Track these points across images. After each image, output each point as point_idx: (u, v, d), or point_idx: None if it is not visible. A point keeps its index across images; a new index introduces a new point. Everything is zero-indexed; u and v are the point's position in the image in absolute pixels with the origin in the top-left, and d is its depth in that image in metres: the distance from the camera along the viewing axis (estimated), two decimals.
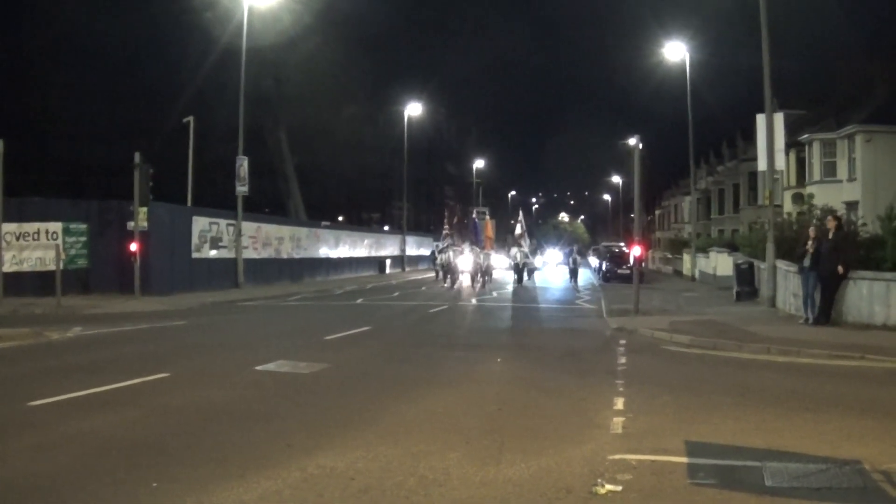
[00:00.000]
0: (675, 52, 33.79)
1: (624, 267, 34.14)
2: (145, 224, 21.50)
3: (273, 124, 41.07)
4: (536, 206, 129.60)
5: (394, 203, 65.50)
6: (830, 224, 14.19)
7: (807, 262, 14.05)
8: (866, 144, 28.33)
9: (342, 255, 40.13)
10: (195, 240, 25.55)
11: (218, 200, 31.34)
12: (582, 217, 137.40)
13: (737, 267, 21.48)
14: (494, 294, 26.59)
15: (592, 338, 13.66)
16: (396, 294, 26.65)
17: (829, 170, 30.48)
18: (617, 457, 5.44)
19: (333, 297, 25.57)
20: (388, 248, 48.56)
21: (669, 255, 46.83)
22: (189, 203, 28.39)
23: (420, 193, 68.31)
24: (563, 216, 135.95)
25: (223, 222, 27.21)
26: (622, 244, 51.94)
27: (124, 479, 4.99)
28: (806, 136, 31.19)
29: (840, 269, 13.45)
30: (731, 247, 28.07)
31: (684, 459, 5.38)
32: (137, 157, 20.96)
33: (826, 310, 13.73)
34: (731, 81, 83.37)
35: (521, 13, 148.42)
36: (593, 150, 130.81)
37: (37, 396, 7.44)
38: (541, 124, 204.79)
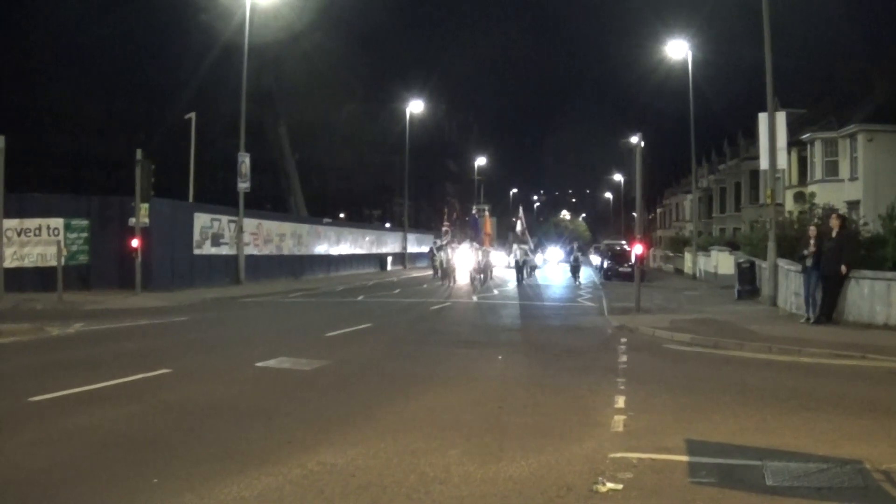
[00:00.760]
0: (678, 49, 33.64)
1: (625, 265, 34.14)
2: (146, 220, 21.49)
3: (274, 120, 41.03)
4: (538, 203, 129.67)
5: (395, 200, 65.43)
6: (834, 223, 14.09)
7: (809, 262, 14.02)
8: (868, 144, 28.31)
9: (343, 252, 40.13)
10: (196, 236, 25.57)
11: (219, 196, 31.39)
12: (583, 215, 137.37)
13: (738, 266, 21.50)
14: (495, 291, 26.59)
15: (593, 336, 13.66)
16: (397, 291, 26.66)
17: (831, 169, 30.46)
18: (618, 455, 5.44)
19: (334, 293, 25.57)
20: (389, 244, 48.52)
21: (671, 254, 46.77)
22: (191, 199, 28.41)
23: (421, 190, 68.20)
24: (565, 214, 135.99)
25: (224, 218, 27.23)
26: (623, 242, 51.98)
27: (125, 474, 5.00)
28: (807, 135, 31.17)
29: (843, 268, 13.42)
30: (733, 245, 28.07)
31: (685, 458, 5.37)
32: (139, 153, 20.94)
33: (827, 309, 13.71)
34: (732, 80, 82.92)
35: (523, 10, 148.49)
36: (595, 147, 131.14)
37: (38, 392, 7.45)
38: (542, 122, 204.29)
